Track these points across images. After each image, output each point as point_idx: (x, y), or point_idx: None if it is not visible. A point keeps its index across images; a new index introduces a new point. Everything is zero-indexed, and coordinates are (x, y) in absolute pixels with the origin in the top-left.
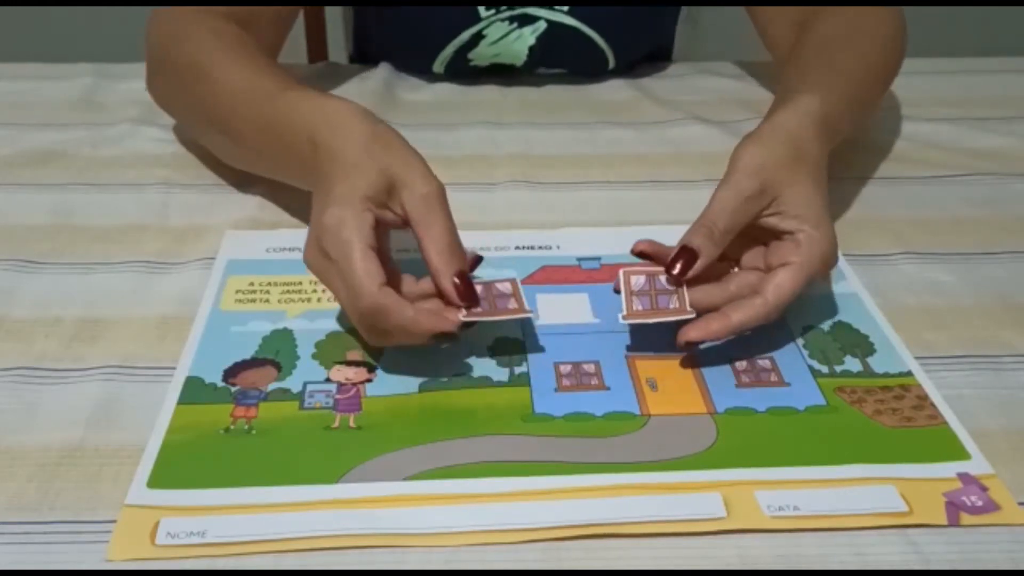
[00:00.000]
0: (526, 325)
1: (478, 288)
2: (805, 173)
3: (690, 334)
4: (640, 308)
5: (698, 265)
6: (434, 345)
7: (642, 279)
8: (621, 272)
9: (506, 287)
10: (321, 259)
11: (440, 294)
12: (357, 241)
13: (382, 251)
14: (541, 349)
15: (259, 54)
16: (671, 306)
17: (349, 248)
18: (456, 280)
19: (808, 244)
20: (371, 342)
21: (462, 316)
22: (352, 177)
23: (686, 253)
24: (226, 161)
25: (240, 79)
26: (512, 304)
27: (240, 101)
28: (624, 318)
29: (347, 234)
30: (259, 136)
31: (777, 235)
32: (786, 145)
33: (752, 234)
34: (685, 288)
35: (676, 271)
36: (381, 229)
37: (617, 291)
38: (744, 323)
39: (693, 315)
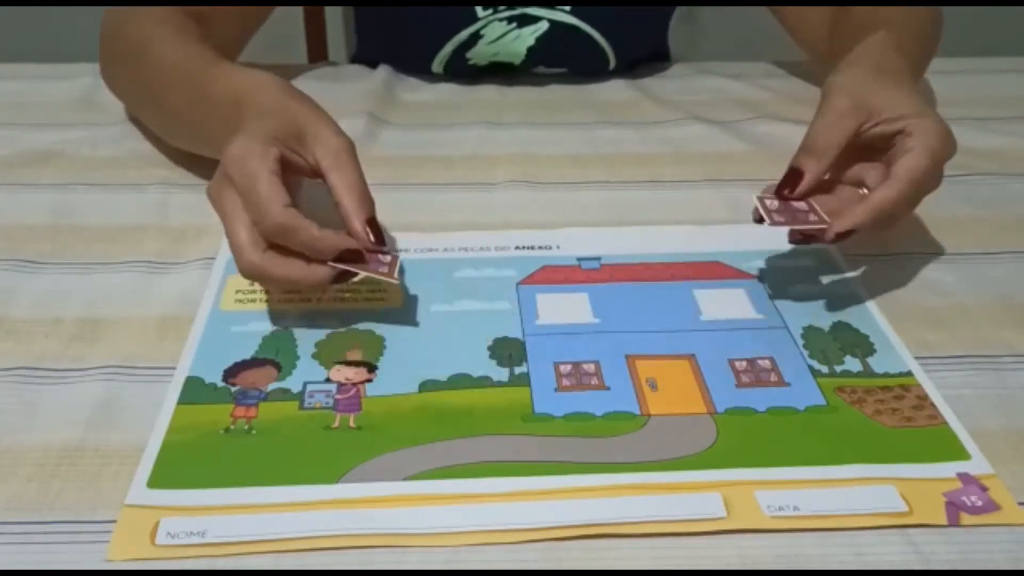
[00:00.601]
0: (527, 325)
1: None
2: (892, 81)
3: (836, 227)
4: (781, 220)
5: (805, 181)
6: (325, 286)
7: (776, 202)
8: (755, 196)
9: (387, 258)
10: (225, 189)
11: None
12: (263, 168)
13: (291, 193)
14: (541, 349)
15: (195, 35)
16: (811, 219)
17: (255, 174)
18: (366, 224)
19: (917, 129)
20: (252, 275)
21: (330, 263)
22: (262, 119)
23: (792, 173)
24: (169, 141)
25: (174, 56)
26: (383, 269)
27: (174, 76)
28: (771, 225)
29: (253, 163)
30: (191, 108)
31: (888, 142)
32: (867, 65)
33: (868, 157)
34: (815, 205)
35: (787, 191)
36: (289, 174)
37: (758, 220)
38: (884, 201)
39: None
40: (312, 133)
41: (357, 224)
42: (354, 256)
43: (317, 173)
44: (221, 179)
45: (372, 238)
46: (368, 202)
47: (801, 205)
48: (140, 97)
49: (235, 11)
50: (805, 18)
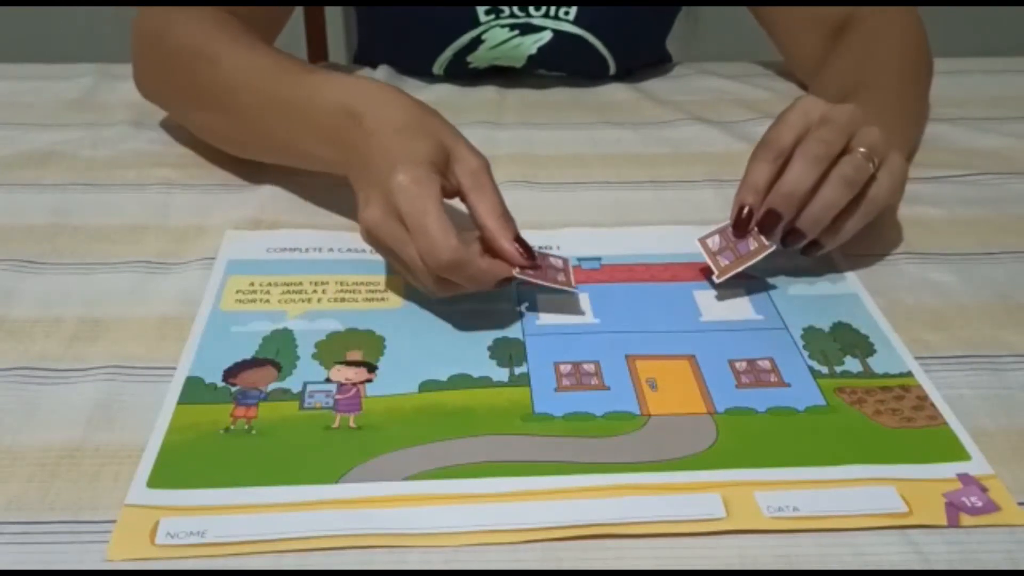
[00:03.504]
0: (527, 325)
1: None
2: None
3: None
4: (726, 263)
5: (754, 219)
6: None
7: (716, 238)
8: (696, 240)
9: (559, 263)
10: (392, 221)
11: (494, 254)
12: (434, 199)
13: None
14: (541, 349)
15: (260, 41)
16: (751, 247)
17: (426, 209)
18: (516, 242)
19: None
20: (434, 294)
21: (516, 272)
22: (413, 142)
23: (745, 209)
24: (222, 146)
25: (251, 58)
26: (561, 277)
27: (253, 79)
28: (718, 276)
29: (423, 192)
30: (275, 113)
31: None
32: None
33: None
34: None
35: (738, 228)
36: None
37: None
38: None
39: (774, 247)
40: (454, 154)
41: (507, 245)
42: (509, 281)
43: (458, 194)
44: (385, 209)
45: (523, 255)
46: (511, 221)
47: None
48: (198, 102)
49: (262, 13)
50: (798, 41)
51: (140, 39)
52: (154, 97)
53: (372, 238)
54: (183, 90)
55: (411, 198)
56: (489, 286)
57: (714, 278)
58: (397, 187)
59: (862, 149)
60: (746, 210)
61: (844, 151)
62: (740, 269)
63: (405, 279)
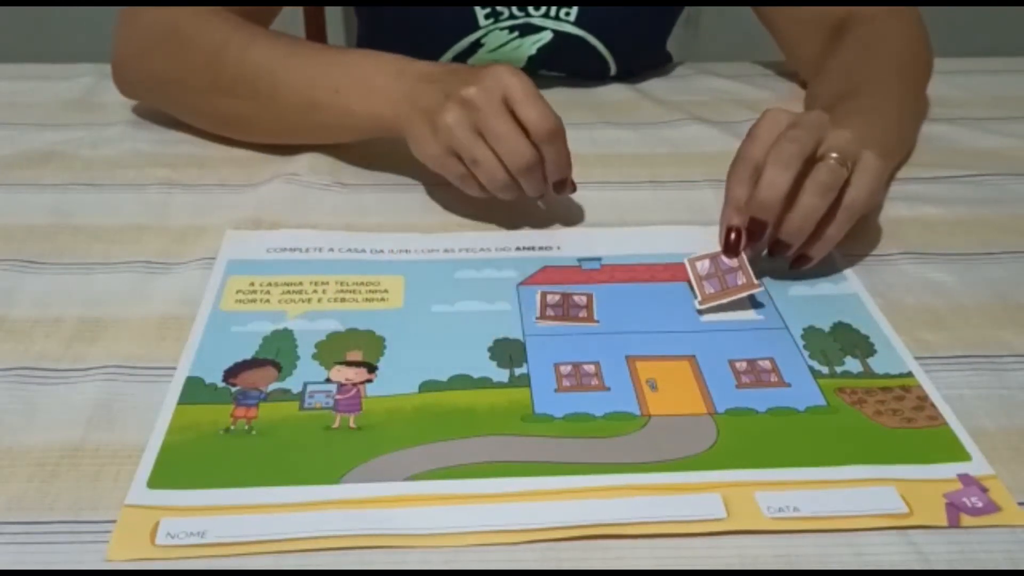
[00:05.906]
0: (527, 326)
1: (556, 296)
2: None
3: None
4: (712, 291)
5: (744, 241)
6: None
7: (706, 263)
8: (686, 261)
9: (582, 300)
10: (470, 124)
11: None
12: (507, 112)
13: None
14: (541, 350)
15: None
16: (739, 282)
17: (505, 114)
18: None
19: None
20: (479, 195)
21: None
22: (475, 69)
23: (732, 232)
24: (241, 130)
25: (284, 40)
26: (583, 314)
27: (290, 53)
28: (700, 303)
29: (500, 104)
30: (318, 73)
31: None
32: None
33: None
34: (746, 260)
35: (729, 251)
36: None
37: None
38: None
39: (761, 288)
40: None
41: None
42: (564, 184)
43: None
44: (464, 113)
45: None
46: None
47: (732, 262)
48: (225, 89)
49: (264, 14)
50: (800, 40)
51: (145, 32)
52: (154, 90)
53: (455, 138)
54: (204, 79)
55: (490, 104)
56: (545, 189)
57: (697, 304)
58: (476, 93)
59: (834, 155)
60: (734, 233)
61: (817, 158)
62: (724, 301)
63: (463, 186)
